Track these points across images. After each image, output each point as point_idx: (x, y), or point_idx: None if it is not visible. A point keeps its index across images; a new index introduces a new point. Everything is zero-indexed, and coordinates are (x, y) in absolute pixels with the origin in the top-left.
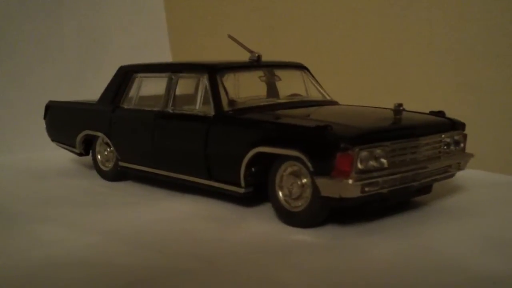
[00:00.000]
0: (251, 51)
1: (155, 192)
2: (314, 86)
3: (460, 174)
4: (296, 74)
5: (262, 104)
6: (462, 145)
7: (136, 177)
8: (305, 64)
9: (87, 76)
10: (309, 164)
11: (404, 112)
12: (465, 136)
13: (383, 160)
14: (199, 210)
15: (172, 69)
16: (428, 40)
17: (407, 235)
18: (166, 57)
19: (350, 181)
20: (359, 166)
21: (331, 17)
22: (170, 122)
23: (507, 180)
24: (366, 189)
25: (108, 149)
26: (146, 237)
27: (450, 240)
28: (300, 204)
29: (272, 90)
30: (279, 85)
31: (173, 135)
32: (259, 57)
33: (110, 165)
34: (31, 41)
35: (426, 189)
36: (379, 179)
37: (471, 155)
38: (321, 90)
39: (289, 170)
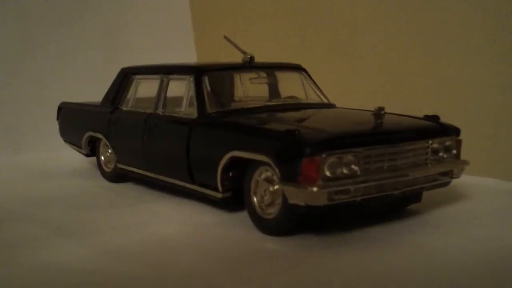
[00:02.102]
0: (244, 52)
1: (147, 195)
2: (311, 88)
3: (469, 180)
4: (294, 76)
5: (248, 106)
6: (454, 151)
7: (136, 179)
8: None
9: (110, 77)
10: (276, 170)
11: (387, 117)
12: (459, 142)
13: (355, 167)
14: (179, 214)
15: (164, 71)
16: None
17: (378, 248)
18: (192, 58)
19: (315, 189)
20: (327, 173)
21: (366, 20)
22: (158, 124)
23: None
24: (335, 197)
25: (109, 151)
26: (115, 241)
27: (419, 253)
28: (272, 211)
29: (267, 91)
30: (275, 86)
31: (160, 138)
32: (251, 58)
33: (111, 166)
34: (54, 42)
35: (414, 197)
36: (351, 187)
37: (466, 163)
38: (318, 93)
39: (264, 175)
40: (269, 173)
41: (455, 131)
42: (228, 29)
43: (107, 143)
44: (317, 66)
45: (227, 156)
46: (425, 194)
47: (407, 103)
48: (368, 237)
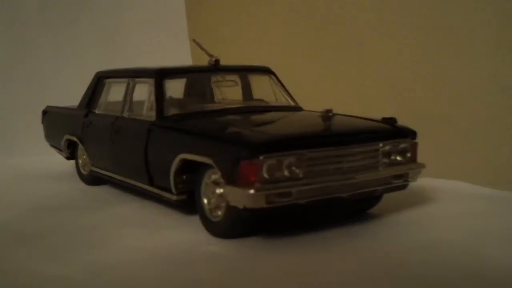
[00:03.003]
0: (210, 55)
1: (116, 197)
2: (279, 91)
3: (439, 184)
4: (262, 78)
5: (207, 109)
6: (409, 154)
7: (112, 182)
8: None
9: None
10: (219, 172)
11: (338, 119)
12: (414, 145)
13: (297, 170)
14: (137, 216)
15: (131, 74)
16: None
17: (319, 250)
18: (187, 61)
19: (252, 191)
20: (265, 175)
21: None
22: (122, 127)
23: (487, 193)
24: (276, 200)
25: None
26: (62, 242)
27: (354, 257)
28: (219, 213)
29: (235, 94)
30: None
31: (124, 140)
32: (216, 61)
33: (88, 169)
34: (49, 46)
35: (372, 200)
36: (292, 190)
37: (422, 166)
38: (285, 95)
39: (212, 178)
40: (217, 176)
41: (411, 134)
42: (226, 31)
43: (81, 146)
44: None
45: (178, 159)
46: (389, 197)
47: (421, 107)
48: (316, 239)
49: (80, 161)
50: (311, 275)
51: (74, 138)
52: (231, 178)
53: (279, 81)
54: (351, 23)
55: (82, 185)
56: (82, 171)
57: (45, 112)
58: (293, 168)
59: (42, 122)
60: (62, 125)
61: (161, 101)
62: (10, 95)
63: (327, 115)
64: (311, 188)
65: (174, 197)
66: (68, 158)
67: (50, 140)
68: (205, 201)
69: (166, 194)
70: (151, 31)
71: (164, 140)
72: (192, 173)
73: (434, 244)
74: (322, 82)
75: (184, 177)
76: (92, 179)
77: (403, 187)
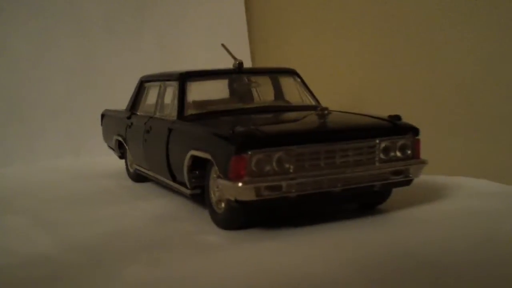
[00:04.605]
0: (235, 58)
1: (149, 193)
2: (302, 91)
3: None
4: (287, 80)
5: (223, 109)
6: (409, 151)
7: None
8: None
9: None
10: (216, 167)
11: (335, 116)
12: (416, 142)
13: (287, 165)
14: (155, 209)
15: (163, 78)
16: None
17: (309, 244)
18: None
19: (240, 184)
20: (254, 169)
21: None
22: (152, 127)
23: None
24: (266, 193)
25: None
26: (80, 233)
27: (343, 253)
28: (222, 206)
29: (251, 95)
30: (266, 91)
31: (152, 139)
32: (240, 64)
33: (133, 167)
34: (114, 55)
35: (378, 196)
36: (283, 183)
37: (423, 162)
38: (308, 96)
39: (216, 173)
40: None
41: (412, 131)
42: (288, 36)
43: (125, 145)
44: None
45: (189, 155)
46: (400, 193)
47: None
48: (315, 232)
49: (128, 160)
50: (297, 268)
51: (120, 138)
52: (225, 173)
53: (303, 82)
54: (425, 26)
55: (129, 182)
56: (130, 169)
57: (103, 116)
58: (283, 163)
59: (101, 125)
60: (113, 127)
61: (182, 102)
62: (77, 100)
63: (323, 113)
64: (301, 181)
65: (189, 191)
66: (120, 157)
67: (107, 141)
68: (212, 194)
69: (183, 189)
70: (211, 38)
71: (179, 138)
72: (203, 168)
73: (431, 240)
74: (391, 85)
75: (197, 172)
76: (137, 176)
77: (407, 183)
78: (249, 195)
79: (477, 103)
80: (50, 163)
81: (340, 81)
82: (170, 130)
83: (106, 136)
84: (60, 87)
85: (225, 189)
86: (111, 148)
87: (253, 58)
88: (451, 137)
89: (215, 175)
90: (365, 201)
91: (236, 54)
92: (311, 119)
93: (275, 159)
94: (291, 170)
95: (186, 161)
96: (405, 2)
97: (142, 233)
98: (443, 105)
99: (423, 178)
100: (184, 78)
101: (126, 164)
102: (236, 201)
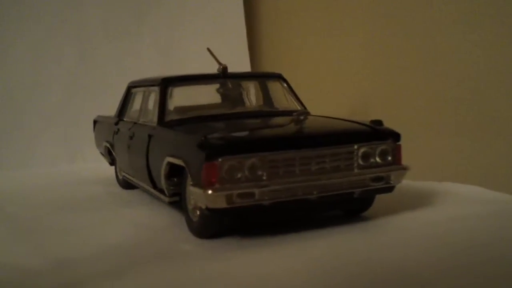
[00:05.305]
0: (219, 63)
1: (137, 200)
2: (288, 96)
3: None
4: (273, 84)
5: (203, 115)
6: (390, 157)
7: None
8: None
9: None
10: (188, 174)
11: (314, 121)
12: (396, 148)
13: (260, 171)
14: (140, 217)
15: (147, 84)
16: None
17: (284, 251)
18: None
19: (210, 192)
20: (225, 176)
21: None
22: (135, 133)
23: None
24: (238, 200)
25: None
26: (53, 241)
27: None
28: (197, 214)
29: (235, 101)
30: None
31: (135, 145)
32: (224, 69)
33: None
34: (112, 59)
35: (361, 203)
36: (255, 190)
37: (405, 168)
38: (293, 100)
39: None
40: None
41: (393, 136)
42: (284, 46)
43: (113, 151)
44: None
45: (165, 162)
46: (386, 200)
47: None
48: (294, 241)
49: (117, 167)
50: (269, 279)
51: (108, 145)
52: (196, 180)
53: (289, 86)
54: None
55: (117, 189)
56: (119, 175)
57: (95, 122)
58: (256, 170)
59: (93, 131)
60: (103, 133)
61: (162, 107)
62: (74, 105)
63: (299, 118)
64: (274, 189)
65: (167, 199)
66: (110, 164)
67: (98, 148)
68: (188, 202)
69: (162, 196)
70: (210, 42)
71: (158, 144)
72: (181, 176)
73: (398, 244)
74: (394, 89)
75: (175, 179)
76: (126, 183)
77: (389, 189)
78: (220, 203)
79: (480, 108)
80: (46, 169)
81: (342, 85)
82: (150, 137)
83: (98, 143)
84: (58, 92)
85: (196, 197)
86: (102, 154)
87: (252, 62)
88: (456, 139)
89: (190, 183)
90: (346, 208)
91: (234, 58)
92: (288, 124)
93: (247, 166)
94: (264, 177)
95: (163, 168)
96: (407, 4)
97: (116, 241)
98: (447, 109)
99: (412, 184)
100: (166, 84)
101: (116, 171)
102: (207, 209)
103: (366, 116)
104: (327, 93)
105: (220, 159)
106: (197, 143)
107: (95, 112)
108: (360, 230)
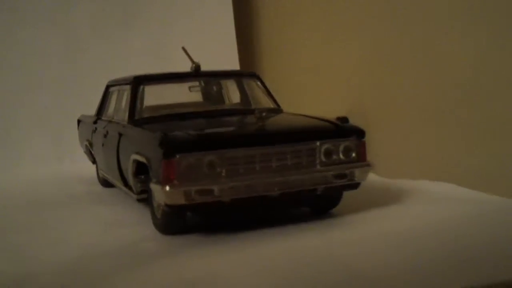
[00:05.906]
0: (193, 61)
1: (114, 198)
2: (263, 94)
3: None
4: (248, 83)
5: (174, 113)
6: (354, 154)
7: None
8: None
9: None
10: (150, 171)
11: (276, 118)
12: (361, 145)
13: (219, 168)
14: (112, 215)
15: (121, 82)
16: None
17: (243, 249)
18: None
19: (168, 188)
20: (183, 173)
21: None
22: (108, 131)
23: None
24: (197, 197)
25: None
26: (21, 237)
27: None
28: (161, 210)
29: (210, 99)
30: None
31: (108, 143)
32: (197, 67)
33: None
34: (101, 59)
35: (330, 200)
36: (215, 187)
37: (368, 165)
38: (268, 99)
39: None
40: None
41: (357, 133)
42: (275, 39)
43: (91, 150)
44: None
45: (132, 159)
46: (357, 197)
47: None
48: (256, 237)
49: (98, 165)
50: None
51: (88, 143)
52: (156, 177)
53: (264, 84)
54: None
55: (99, 187)
56: (100, 174)
57: (79, 121)
58: (215, 166)
59: (78, 130)
60: (85, 132)
61: (133, 105)
62: (63, 106)
63: (260, 115)
64: (234, 185)
65: (135, 196)
66: (93, 162)
67: (82, 146)
68: (153, 199)
69: (131, 194)
70: (200, 39)
71: (126, 142)
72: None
73: (359, 241)
74: (391, 90)
75: (142, 177)
76: (105, 182)
77: (354, 186)
78: (178, 199)
79: (478, 106)
80: (35, 169)
81: (338, 85)
82: (120, 135)
83: (80, 142)
84: (46, 93)
85: (157, 194)
86: (85, 153)
87: (241, 62)
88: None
89: (153, 180)
90: (311, 206)
91: (224, 58)
92: (251, 122)
93: (205, 163)
94: (223, 174)
95: (130, 165)
96: (406, 4)
97: (82, 240)
98: (446, 109)
99: (388, 181)
100: (137, 82)
101: (97, 170)
102: (167, 205)
103: (363, 116)
104: (322, 93)
105: (178, 156)
106: (156, 141)
107: (84, 112)
108: (325, 227)
